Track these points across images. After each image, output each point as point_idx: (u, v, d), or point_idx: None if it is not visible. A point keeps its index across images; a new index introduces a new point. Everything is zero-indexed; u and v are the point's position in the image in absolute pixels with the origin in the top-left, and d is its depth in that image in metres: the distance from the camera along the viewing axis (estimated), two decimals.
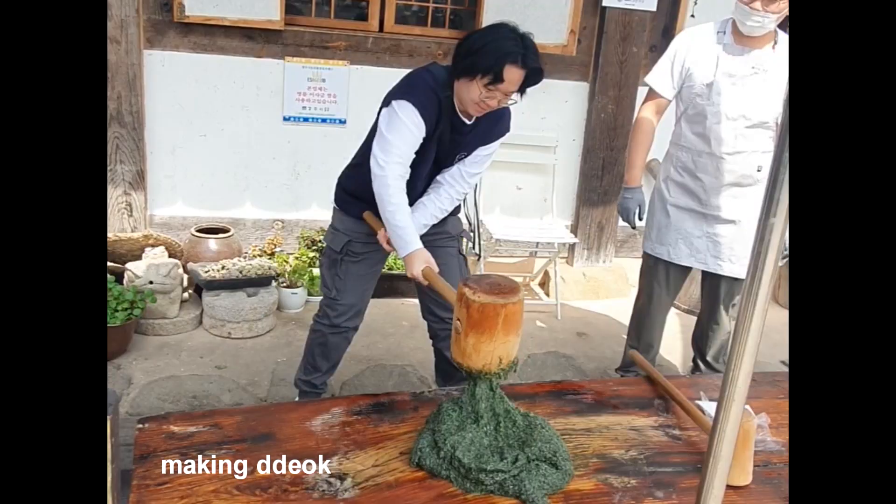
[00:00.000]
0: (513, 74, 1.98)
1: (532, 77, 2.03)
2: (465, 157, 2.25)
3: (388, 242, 2.21)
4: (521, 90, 2.06)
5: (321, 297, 2.53)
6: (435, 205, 2.28)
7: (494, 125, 2.22)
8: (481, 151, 2.26)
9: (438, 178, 2.29)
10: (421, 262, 2.06)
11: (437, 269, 2.07)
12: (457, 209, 2.45)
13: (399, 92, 2.11)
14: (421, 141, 2.11)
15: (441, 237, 2.40)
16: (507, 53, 1.96)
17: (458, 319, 1.47)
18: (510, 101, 2.09)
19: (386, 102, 2.13)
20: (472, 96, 2.03)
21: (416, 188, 2.25)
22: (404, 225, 2.09)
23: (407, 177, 2.13)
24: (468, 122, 2.16)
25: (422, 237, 2.31)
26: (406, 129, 2.06)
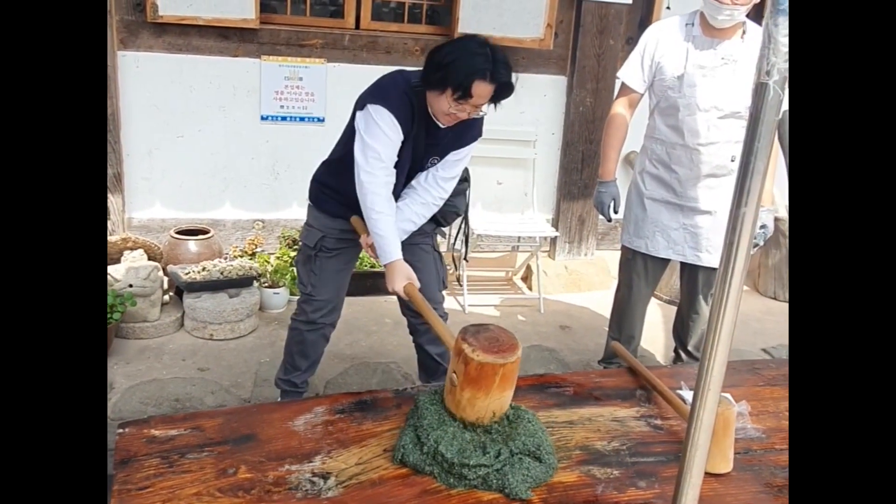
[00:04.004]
0: (481, 90, 2.01)
1: (502, 91, 2.05)
2: (438, 161, 2.27)
3: (371, 247, 2.22)
4: (493, 101, 2.09)
5: (299, 296, 2.54)
6: (412, 209, 2.28)
7: (467, 130, 2.24)
8: (452, 157, 2.28)
9: (413, 183, 2.30)
10: (402, 278, 2.09)
11: (418, 286, 2.10)
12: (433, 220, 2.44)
13: (373, 96, 2.12)
14: (399, 145, 2.13)
15: (415, 233, 2.39)
16: (476, 70, 1.98)
17: (455, 373, 1.47)
18: (480, 113, 2.13)
19: (360, 105, 2.14)
20: (442, 108, 2.07)
21: (395, 192, 2.26)
22: (386, 234, 2.11)
23: (393, 182, 2.15)
24: (442, 126, 2.18)
25: None
26: (384, 135, 2.09)
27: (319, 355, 2.61)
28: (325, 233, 2.38)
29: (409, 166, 2.24)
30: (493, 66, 2.00)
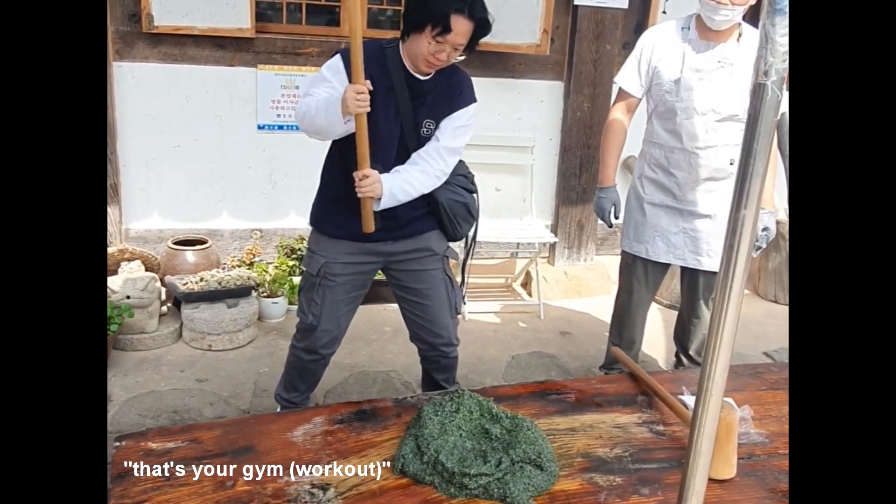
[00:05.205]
0: (460, 25, 2.02)
1: (480, 29, 2.07)
2: (434, 126, 2.19)
3: (363, 181, 2.08)
4: (471, 45, 2.10)
5: (298, 321, 2.43)
6: (410, 173, 2.15)
7: (456, 90, 2.20)
8: (449, 123, 2.19)
9: (413, 155, 2.19)
10: (349, 91, 1.97)
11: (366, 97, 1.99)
12: (442, 225, 2.33)
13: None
14: (341, 90, 2.03)
15: (424, 256, 2.33)
16: (453, 2, 2.01)
17: None
18: (459, 57, 2.13)
19: None
20: (421, 50, 2.06)
21: (389, 162, 2.16)
22: (325, 98, 2.06)
23: None
24: (422, 77, 2.15)
25: (403, 255, 2.28)
26: (322, 79, 2.12)
27: (318, 379, 2.57)
28: (328, 258, 2.27)
29: (401, 132, 2.16)
30: (471, 1, 2.03)
